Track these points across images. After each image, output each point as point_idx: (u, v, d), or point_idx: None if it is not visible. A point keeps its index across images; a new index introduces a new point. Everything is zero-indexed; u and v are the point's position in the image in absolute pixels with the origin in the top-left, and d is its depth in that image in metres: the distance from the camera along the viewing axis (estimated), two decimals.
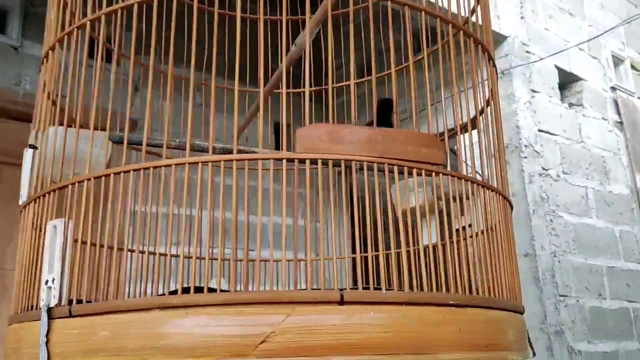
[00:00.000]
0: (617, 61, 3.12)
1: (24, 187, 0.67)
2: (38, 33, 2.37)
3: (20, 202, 0.67)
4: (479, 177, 0.71)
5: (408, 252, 0.64)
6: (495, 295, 0.63)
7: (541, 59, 2.58)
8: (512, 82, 2.46)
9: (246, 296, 0.50)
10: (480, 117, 0.74)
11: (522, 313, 0.68)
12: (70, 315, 0.54)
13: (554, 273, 2.30)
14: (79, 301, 0.55)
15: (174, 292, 0.52)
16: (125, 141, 0.60)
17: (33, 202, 0.64)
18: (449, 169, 0.64)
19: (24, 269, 0.64)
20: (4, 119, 2.26)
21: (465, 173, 0.67)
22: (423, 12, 0.69)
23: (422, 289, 0.55)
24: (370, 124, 0.93)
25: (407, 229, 0.86)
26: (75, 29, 0.68)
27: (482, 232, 0.67)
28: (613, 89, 2.99)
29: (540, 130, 2.50)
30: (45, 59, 0.72)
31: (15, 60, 2.30)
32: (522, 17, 2.62)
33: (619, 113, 2.95)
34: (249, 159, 0.54)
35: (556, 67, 2.70)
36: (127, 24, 0.73)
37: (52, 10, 0.74)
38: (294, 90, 1.11)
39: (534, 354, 0.73)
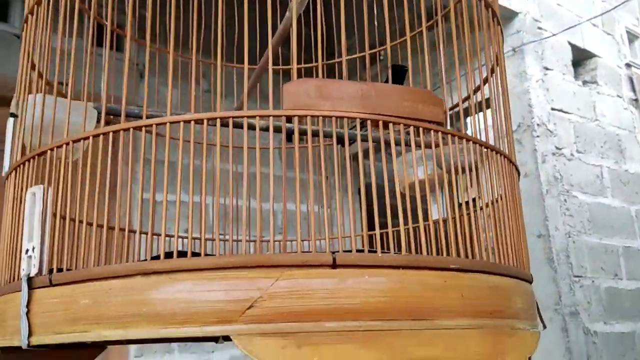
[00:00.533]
0: (632, 37, 3.03)
1: (6, 157, 0.65)
2: None
3: (3, 173, 0.65)
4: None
5: (406, 217, 0.61)
6: (501, 261, 0.59)
7: (553, 35, 2.51)
8: (524, 59, 2.40)
9: (232, 260, 0.47)
10: (491, 80, 0.71)
11: (530, 282, 0.64)
12: (51, 285, 0.52)
13: (568, 254, 2.25)
14: (60, 270, 0.53)
15: (157, 258, 0.49)
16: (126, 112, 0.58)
17: (14, 171, 0.61)
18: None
19: (6, 241, 0.61)
20: (6, 107, 2.25)
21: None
22: None
23: (421, 253, 0.52)
24: None
25: (409, 201, 0.83)
26: None
27: (491, 203, 0.63)
28: (628, 65, 2.91)
29: (553, 109, 2.44)
30: (25, 24, 0.69)
31: (18, 48, 2.29)
32: None
33: (634, 90, 2.87)
34: (233, 117, 0.51)
35: (569, 43, 2.63)
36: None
37: None
38: (283, 68, 1.08)
39: (544, 327, 0.69)
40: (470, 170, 0.68)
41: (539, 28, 2.50)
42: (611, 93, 2.76)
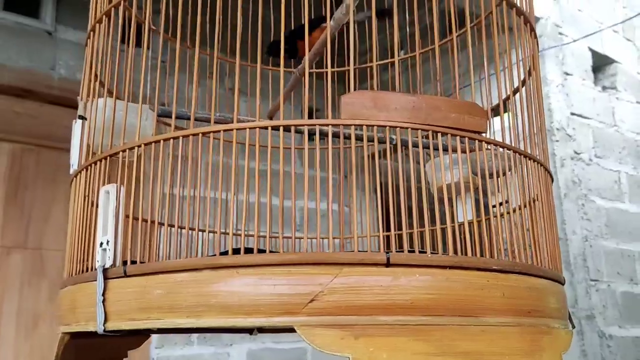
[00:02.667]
0: None
1: (74, 157, 0.69)
2: (72, 18, 2.41)
3: (71, 172, 0.70)
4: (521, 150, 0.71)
5: (452, 224, 0.65)
6: (538, 263, 0.63)
7: (574, 40, 2.53)
8: (544, 64, 2.42)
9: (295, 257, 0.52)
10: (522, 89, 0.74)
11: (563, 283, 0.68)
12: (125, 275, 0.56)
13: (585, 257, 2.27)
14: (133, 262, 0.58)
15: (225, 253, 0.54)
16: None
17: (84, 170, 0.66)
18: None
19: (76, 236, 0.66)
20: (40, 103, 2.32)
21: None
22: None
23: (465, 254, 0.56)
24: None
25: (449, 203, 0.87)
26: (113, 9, 0.70)
27: (525, 205, 0.67)
28: None
29: (572, 114, 2.46)
30: (88, 39, 0.75)
31: (50, 44, 2.35)
32: None
33: None
34: (296, 125, 0.55)
35: (589, 49, 2.64)
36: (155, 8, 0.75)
37: None
38: (317, 71, 1.12)
39: (574, 327, 0.73)
40: (504, 174, 0.72)
41: (560, 33, 2.52)
42: (630, 99, 2.77)
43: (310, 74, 1.17)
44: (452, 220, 0.62)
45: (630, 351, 2.29)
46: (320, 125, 0.55)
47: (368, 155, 0.61)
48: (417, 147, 0.57)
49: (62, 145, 2.35)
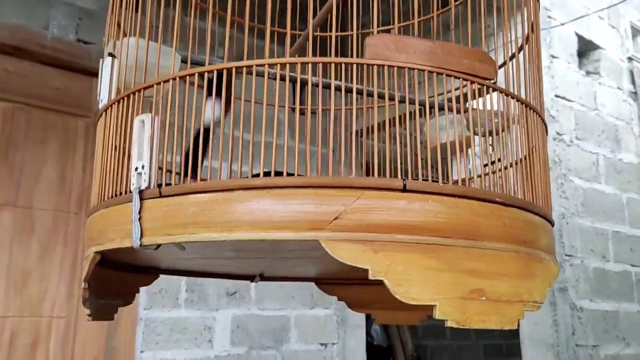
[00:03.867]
0: (635, 32, 3.14)
1: (104, 92, 0.73)
2: None
3: (100, 106, 0.74)
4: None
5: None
6: (534, 202, 0.70)
7: (562, 24, 2.61)
8: None
9: (321, 180, 0.57)
10: (526, 46, 0.80)
11: (552, 224, 0.74)
12: (160, 196, 0.61)
13: (561, 234, 2.37)
14: (168, 184, 0.62)
15: (256, 176, 0.59)
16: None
17: (116, 103, 0.70)
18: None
19: (105, 164, 0.71)
20: (31, 62, 2.31)
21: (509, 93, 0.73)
22: None
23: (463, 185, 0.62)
24: None
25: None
26: None
27: (528, 153, 0.73)
28: (630, 59, 3.02)
29: (557, 96, 2.55)
30: None
31: (43, 3, 2.34)
32: None
33: (633, 83, 2.99)
34: (322, 62, 0.60)
35: (576, 34, 2.73)
36: None
37: None
38: (320, 34, 1.16)
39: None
40: (508, 126, 0.78)
41: (549, 17, 2.60)
42: (612, 85, 2.87)
43: (315, 38, 1.22)
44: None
45: (599, 323, 2.41)
46: (344, 62, 0.60)
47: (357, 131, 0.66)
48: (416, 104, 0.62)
49: (52, 105, 2.37)
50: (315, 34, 1.23)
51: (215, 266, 1.00)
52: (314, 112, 0.96)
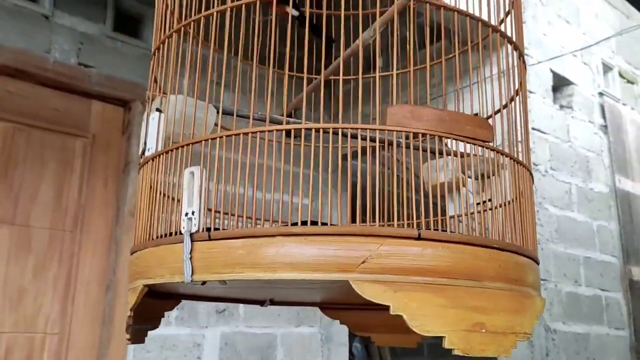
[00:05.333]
0: (606, 68, 3.34)
1: (151, 142, 0.83)
2: (68, 3, 2.48)
3: (148, 154, 0.83)
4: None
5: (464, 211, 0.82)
6: (523, 245, 0.82)
7: (539, 62, 2.78)
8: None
9: (350, 229, 0.68)
10: (510, 105, 0.93)
11: (538, 263, 0.86)
12: (209, 239, 0.71)
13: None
14: (216, 229, 0.72)
15: (295, 224, 0.69)
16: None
17: (163, 154, 0.80)
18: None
19: (150, 209, 0.80)
20: (33, 84, 2.38)
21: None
22: (467, 17, 0.87)
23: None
24: None
25: (481, 190, 1.05)
26: (174, 33, 0.84)
27: (513, 200, 0.85)
28: (600, 94, 3.21)
29: (533, 129, 2.71)
30: (154, 55, 0.88)
31: (46, 28, 2.41)
32: (523, 22, 2.81)
33: (604, 117, 3.18)
34: (351, 128, 0.71)
35: (551, 70, 2.91)
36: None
37: (157, 16, 0.90)
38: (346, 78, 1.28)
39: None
40: (492, 176, 0.90)
41: (526, 54, 2.77)
42: (584, 118, 3.06)
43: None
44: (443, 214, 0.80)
45: (571, 345, 2.55)
46: (370, 129, 0.72)
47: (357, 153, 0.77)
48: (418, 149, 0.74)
49: (51, 126, 2.43)
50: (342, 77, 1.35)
51: (230, 292, 1.10)
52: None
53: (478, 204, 1.02)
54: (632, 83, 3.49)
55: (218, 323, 2.72)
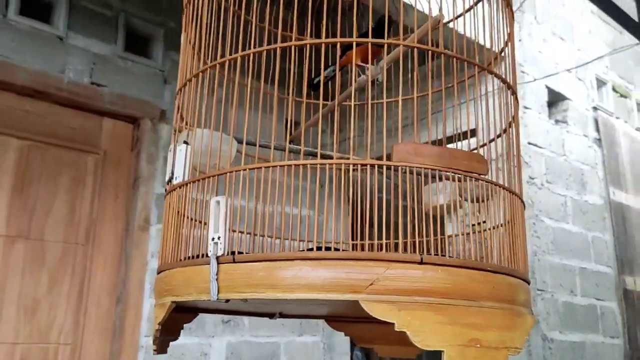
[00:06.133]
0: (600, 83, 3.44)
1: (178, 171, 0.92)
2: (82, 25, 2.58)
3: (175, 182, 0.92)
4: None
5: (457, 236, 0.91)
6: (515, 267, 0.90)
7: (535, 79, 2.88)
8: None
9: (360, 254, 0.76)
10: (504, 136, 1.02)
11: (529, 283, 0.95)
12: (234, 262, 0.79)
13: (534, 270, 2.60)
14: (240, 252, 0.81)
15: (311, 249, 0.78)
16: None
17: (190, 183, 0.89)
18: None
19: (177, 233, 0.89)
20: (49, 103, 2.47)
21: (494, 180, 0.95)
22: (455, 59, 0.96)
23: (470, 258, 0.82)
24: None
25: (477, 217, 1.14)
26: (201, 73, 0.93)
27: (506, 224, 0.94)
28: (595, 108, 3.31)
29: (529, 143, 2.80)
30: (179, 92, 0.97)
31: (61, 49, 2.51)
32: (519, 40, 2.91)
33: (598, 131, 3.28)
34: (360, 163, 0.80)
35: (546, 86, 3.00)
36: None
37: (183, 58, 0.99)
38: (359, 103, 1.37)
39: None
40: (487, 200, 0.99)
41: (522, 72, 2.87)
42: (578, 132, 3.15)
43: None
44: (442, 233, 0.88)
45: (567, 353, 2.63)
46: (377, 164, 0.81)
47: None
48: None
49: (65, 143, 2.52)
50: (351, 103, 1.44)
51: (246, 307, 1.18)
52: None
53: (474, 225, 1.11)
54: (626, 97, 3.58)
55: (224, 333, 2.80)
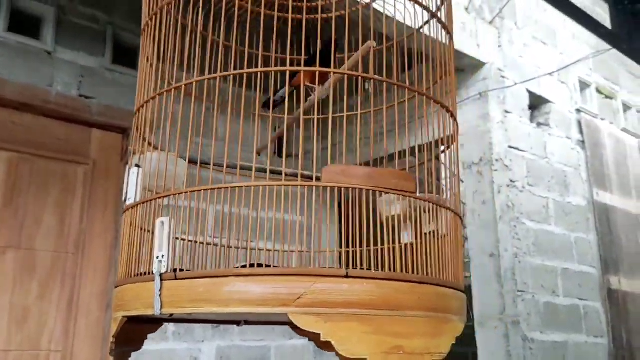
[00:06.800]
0: (584, 85, 3.48)
1: (131, 193, 0.98)
2: (70, 39, 2.65)
3: (128, 203, 0.98)
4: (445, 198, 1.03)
5: (388, 247, 0.97)
6: (443, 278, 0.96)
7: (515, 84, 2.92)
8: (487, 103, 2.80)
9: (288, 270, 0.82)
10: (443, 156, 1.07)
11: (463, 292, 1.01)
12: (176, 279, 0.86)
13: (514, 272, 2.65)
14: (181, 270, 0.87)
15: (244, 266, 0.84)
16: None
17: (141, 204, 0.95)
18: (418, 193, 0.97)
19: (131, 249, 0.95)
20: (37, 116, 2.54)
21: (428, 195, 1.00)
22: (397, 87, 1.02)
23: (395, 271, 0.88)
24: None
25: (390, 231, 1.20)
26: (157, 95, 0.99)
27: (437, 238, 1.00)
28: (578, 111, 3.35)
29: (510, 147, 2.85)
30: (136, 114, 1.03)
31: (49, 63, 2.58)
32: (499, 46, 2.96)
33: (581, 133, 3.32)
34: (292, 184, 0.86)
35: (527, 90, 3.05)
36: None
37: (140, 79, 1.05)
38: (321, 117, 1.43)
39: (471, 320, 1.06)
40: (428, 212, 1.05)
41: (502, 77, 2.91)
42: (561, 135, 3.19)
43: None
44: (394, 242, 0.95)
45: (549, 353, 2.68)
46: (307, 185, 0.87)
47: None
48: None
49: (53, 154, 2.60)
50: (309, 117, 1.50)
51: (208, 316, 1.25)
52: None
53: (426, 234, 1.17)
54: (611, 98, 3.62)
55: (214, 337, 2.87)
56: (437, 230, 1.05)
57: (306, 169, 1.12)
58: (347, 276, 0.84)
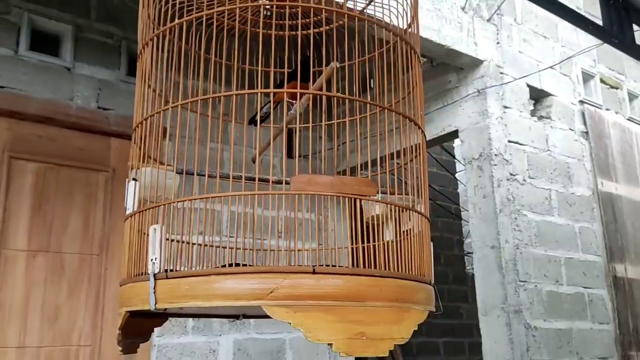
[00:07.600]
0: (587, 77, 3.52)
1: (129, 203, 1.12)
2: (87, 56, 2.83)
3: (127, 213, 1.13)
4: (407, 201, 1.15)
5: (369, 245, 1.09)
6: (406, 272, 1.08)
7: (514, 79, 2.99)
8: (486, 100, 2.88)
9: (262, 268, 0.95)
10: (411, 164, 1.19)
11: (430, 284, 1.12)
12: (167, 278, 1.00)
13: (515, 262, 2.74)
14: (171, 270, 1.01)
15: (224, 266, 0.98)
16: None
17: (138, 213, 1.10)
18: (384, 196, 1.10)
19: (132, 252, 1.10)
20: (60, 128, 2.73)
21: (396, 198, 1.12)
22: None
23: (358, 266, 1.01)
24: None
25: (371, 230, 1.32)
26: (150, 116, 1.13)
27: (401, 238, 1.12)
28: (581, 102, 3.39)
29: (510, 141, 2.93)
30: (134, 131, 1.17)
31: (68, 79, 2.77)
32: (497, 43, 3.03)
33: (585, 124, 3.36)
34: (264, 194, 0.99)
35: (527, 85, 3.11)
36: None
37: (138, 99, 1.19)
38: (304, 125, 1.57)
39: (441, 310, 1.18)
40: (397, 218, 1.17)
41: (501, 73, 2.99)
42: (563, 127, 3.25)
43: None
44: (375, 240, 1.07)
45: (552, 340, 2.76)
46: (285, 194, 1.00)
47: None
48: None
49: (76, 163, 2.79)
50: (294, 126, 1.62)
51: (210, 310, 1.39)
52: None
53: (404, 232, 1.28)
54: (616, 88, 3.65)
55: (231, 331, 3.03)
56: (411, 230, 1.17)
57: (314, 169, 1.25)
58: (313, 272, 0.96)
